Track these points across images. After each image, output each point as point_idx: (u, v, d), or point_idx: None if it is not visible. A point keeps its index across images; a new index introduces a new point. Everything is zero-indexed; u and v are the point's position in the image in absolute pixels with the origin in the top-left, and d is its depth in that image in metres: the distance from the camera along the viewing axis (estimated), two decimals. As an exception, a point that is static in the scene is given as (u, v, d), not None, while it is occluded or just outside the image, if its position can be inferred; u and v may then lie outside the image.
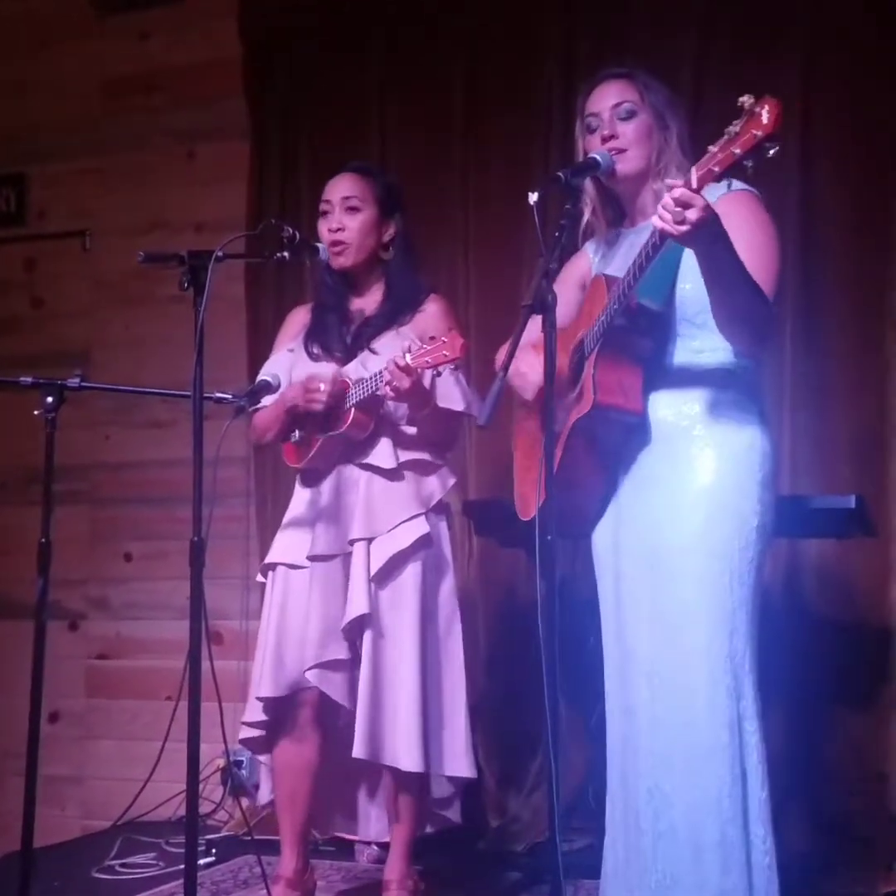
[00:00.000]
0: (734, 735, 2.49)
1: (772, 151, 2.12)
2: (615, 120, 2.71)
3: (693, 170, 2.23)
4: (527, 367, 2.72)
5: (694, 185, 2.22)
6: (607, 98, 2.74)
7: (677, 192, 2.24)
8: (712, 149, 2.19)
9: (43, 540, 3.12)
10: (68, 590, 4.84)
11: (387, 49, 4.68)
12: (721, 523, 2.56)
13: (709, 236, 2.31)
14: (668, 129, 2.71)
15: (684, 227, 2.25)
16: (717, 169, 2.18)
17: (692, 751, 2.50)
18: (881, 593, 4.01)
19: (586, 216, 2.83)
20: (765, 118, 2.10)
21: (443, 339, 3.04)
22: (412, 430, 3.33)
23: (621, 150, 2.69)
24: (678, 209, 2.24)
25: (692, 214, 2.24)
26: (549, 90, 4.44)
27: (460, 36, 4.58)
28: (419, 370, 3.06)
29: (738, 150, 2.14)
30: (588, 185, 2.78)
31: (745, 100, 2.12)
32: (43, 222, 5.24)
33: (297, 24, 4.79)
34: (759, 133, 2.10)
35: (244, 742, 3.39)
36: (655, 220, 2.30)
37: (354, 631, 3.26)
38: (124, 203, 5.05)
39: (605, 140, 2.71)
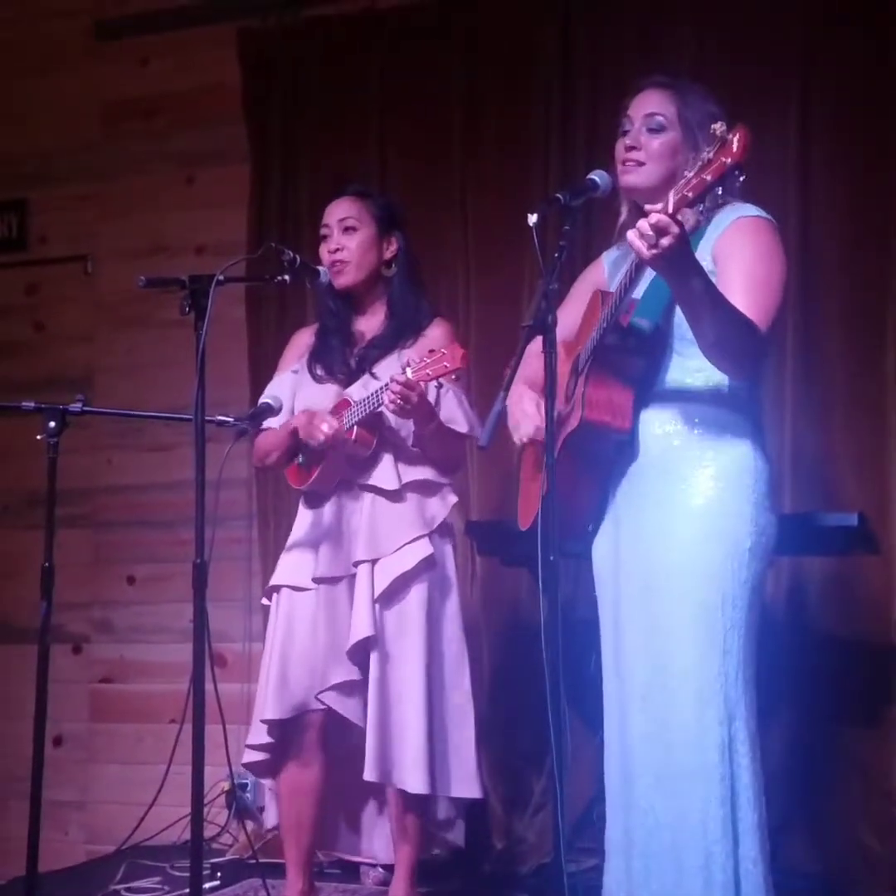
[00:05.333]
0: (724, 757, 2.48)
1: (740, 179, 2.18)
2: (643, 130, 2.70)
3: (670, 194, 2.26)
4: (521, 416, 2.73)
5: (670, 209, 2.25)
6: (644, 106, 2.73)
7: (655, 218, 2.26)
8: (687, 174, 2.24)
9: (46, 563, 3.13)
10: (72, 613, 4.84)
11: (384, 72, 4.70)
12: (713, 545, 2.55)
13: (677, 265, 2.33)
14: (697, 150, 2.62)
15: (655, 251, 2.27)
16: (690, 194, 2.22)
17: (679, 772, 2.50)
18: (885, 610, 4.00)
19: (623, 218, 2.82)
20: (735, 146, 2.14)
21: (442, 350, 3.06)
22: (416, 451, 3.34)
23: (640, 163, 2.70)
24: (651, 234, 2.26)
25: (665, 241, 2.26)
26: (548, 112, 4.45)
27: (457, 58, 4.60)
28: (421, 384, 3.07)
29: (708, 177, 2.18)
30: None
31: (718, 127, 2.17)
32: (44, 247, 5.25)
33: (294, 49, 4.82)
34: (728, 160, 2.15)
35: (248, 766, 3.39)
36: (628, 235, 2.32)
37: (360, 653, 3.26)
38: (125, 227, 5.07)
39: (627, 149, 2.71)
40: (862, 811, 3.89)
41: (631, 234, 2.31)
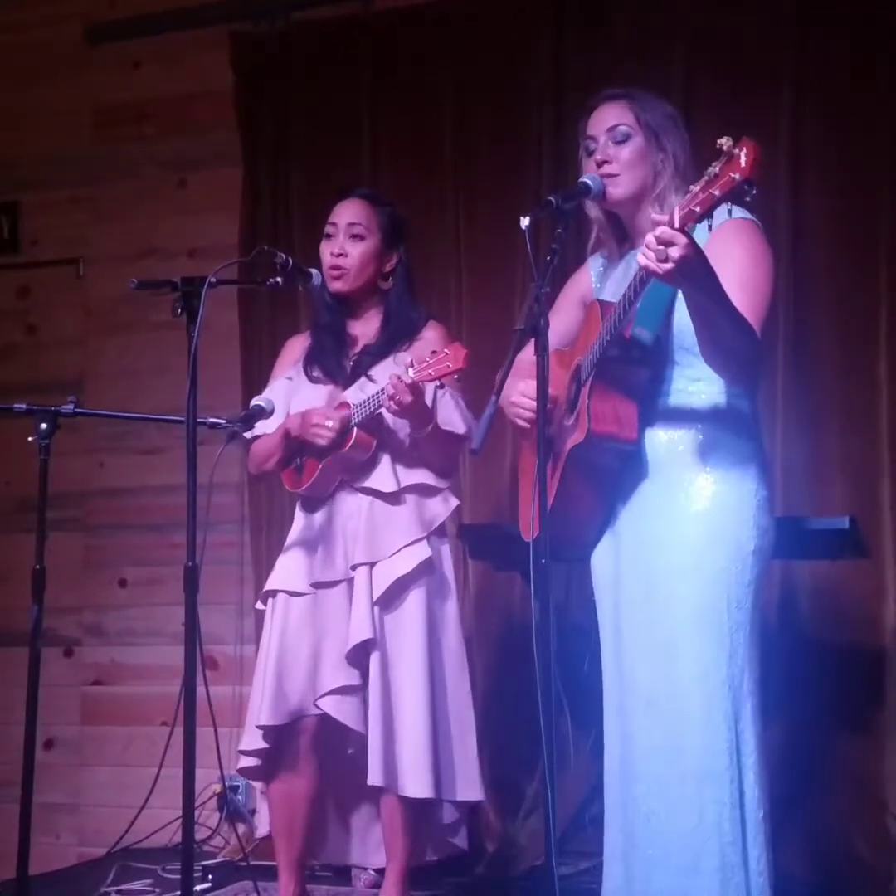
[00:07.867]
0: (732, 759, 2.49)
1: (751, 194, 2.13)
2: (609, 144, 2.71)
3: (675, 209, 2.24)
4: (519, 398, 2.73)
5: (676, 224, 2.23)
6: (603, 121, 2.73)
7: (659, 231, 2.25)
8: (693, 188, 2.21)
9: (37, 567, 3.12)
10: (63, 617, 4.83)
11: (376, 76, 4.70)
12: (717, 548, 2.56)
13: (693, 273, 2.31)
14: (664, 151, 2.69)
15: (668, 266, 2.26)
16: (698, 209, 2.19)
17: (690, 776, 2.50)
18: (875, 614, 4.00)
19: (594, 234, 2.84)
20: (743, 161, 2.10)
21: (445, 351, 3.05)
22: (414, 453, 3.33)
23: (613, 175, 2.69)
24: (660, 247, 2.25)
25: (675, 252, 2.25)
26: (539, 116, 4.46)
27: (450, 61, 4.61)
28: (422, 384, 3.07)
29: (716, 192, 2.15)
30: (592, 206, 2.78)
31: (724, 141, 2.12)
32: (36, 250, 5.25)
33: (286, 52, 4.82)
34: (737, 176, 2.11)
35: (243, 771, 3.38)
36: (639, 258, 2.31)
37: (359, 656, 3.25)
38: (117, 231, 5.07)
39: (599, 164, 2.71)
40: (854, 818, 3.88)
41: (640, 256, 2.30)
